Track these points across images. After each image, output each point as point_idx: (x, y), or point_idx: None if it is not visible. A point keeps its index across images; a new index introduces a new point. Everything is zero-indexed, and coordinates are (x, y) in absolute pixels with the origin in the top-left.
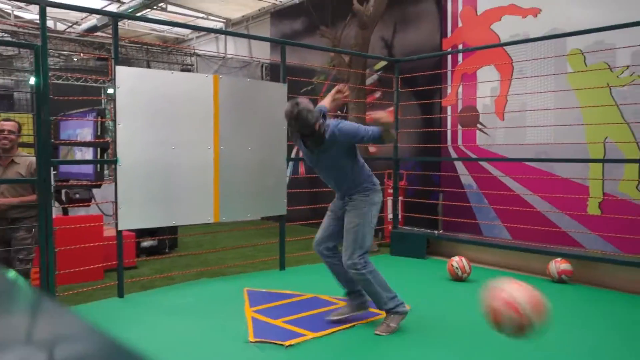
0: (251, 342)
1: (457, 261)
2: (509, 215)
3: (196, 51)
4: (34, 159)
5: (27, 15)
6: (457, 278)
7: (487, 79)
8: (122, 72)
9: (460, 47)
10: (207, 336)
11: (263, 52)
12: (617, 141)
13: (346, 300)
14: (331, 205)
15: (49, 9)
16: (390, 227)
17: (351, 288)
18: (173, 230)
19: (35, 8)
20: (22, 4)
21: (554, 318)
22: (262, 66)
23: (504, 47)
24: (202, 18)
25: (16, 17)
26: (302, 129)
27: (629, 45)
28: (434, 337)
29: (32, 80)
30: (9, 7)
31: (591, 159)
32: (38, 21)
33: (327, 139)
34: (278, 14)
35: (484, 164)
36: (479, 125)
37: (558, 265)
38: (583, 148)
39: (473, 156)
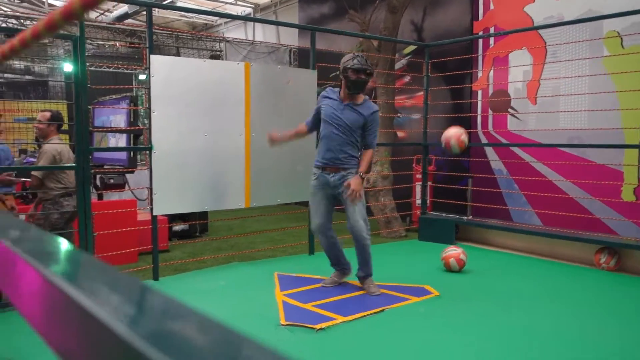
0: (282, 325)
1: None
2: (540, 201)
3: (225, 37)
4: (52, 147)
5: (60, 3)
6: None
7: (520, 62)
8: (157, 61)
9: (491, 30)
10: (239, 319)
11: (291, 37)
12: None
13: (337, 271)
14: (317, 184)
15: None
16: (418, 213)
17: (339, 261)
18: (204, 215)
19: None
20: None
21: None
22: (290, 51)
23: (538, 30)
24: (231, 3)
25: (50, 5)
26: (369, 68)
27: None
28: (461, 321)
29: (66, 68)
30: None
31: (626, 144)
32: None
33: (364, 103)
34: None
35: (515, 149)
36: (510, 110)
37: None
38: (619, 133)
39: (504, 141)
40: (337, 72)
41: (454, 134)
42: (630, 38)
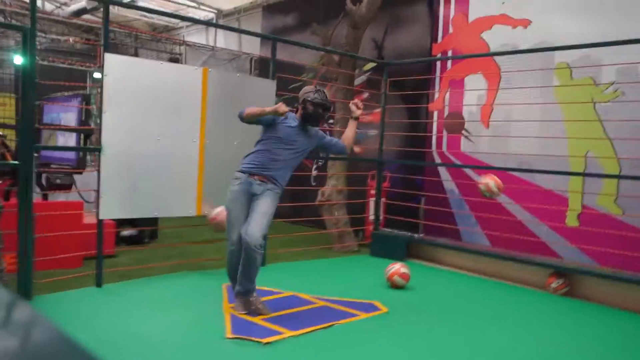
0: (228, 338)
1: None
2: (489, 222)
3: (185, 41)
4: None
5: None
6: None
7: (475, 86)
8: (111, 60)
9: (449, 53)
10: (184, 331)
11: (253, 45)
12: (598, 156)
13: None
14: (240, 190)
15: None
16: (371, 228)
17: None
18: (153, 220)
19: None
20: None
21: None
22: (251, 60)
23: (493, 57)
24: (194, 7)
25: None
26: (328, 104)
27: (614, 64)
28: (408, 338)
29: (16, 60)
30: None
31: (572, 171)
32: (27, 0)
33: (314, 130)
34: (270, 8)
35: (468, 170)
36: (464, 132)
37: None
38: (565, 160)
39: (457, 162)
40: (297, 84)
41: (493, 177)
42: (579, 70)
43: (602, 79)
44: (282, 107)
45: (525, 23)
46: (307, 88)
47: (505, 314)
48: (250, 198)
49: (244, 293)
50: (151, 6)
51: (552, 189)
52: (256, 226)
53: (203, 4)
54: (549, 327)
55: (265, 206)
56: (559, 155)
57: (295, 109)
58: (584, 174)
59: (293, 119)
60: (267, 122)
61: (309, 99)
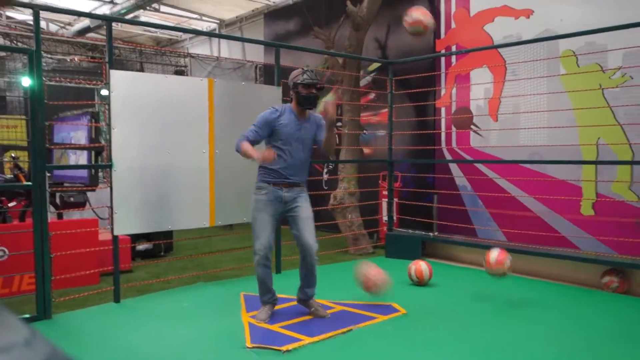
0: (248, 347)
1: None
2: (503, 217)
3: (190, 53)
4: None
5: (19, 16)
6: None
7: (481, 80)
8: (117, 76)
9: (453, 48)
10: (204, 342)
11: (257, 53)
12: (610, 142)
13: (269, 304)
14: (266, 199)
15: (42, 12)
16: (385, 229)
17: (271, 290)
18: (168, 233)
19: (27, 9)
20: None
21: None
22: (256, 67)
23: (497, 49)
24: (196, 19)
25: (8, 17)
26: (319, 82)
27: (620, 48)
28: (429, 340)
29: (25, 82)
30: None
31: (584, 160)
32: (31, 22)
33: (310, 116)
34: (271, 15)
35: (479, 165)
36: (472, 127)
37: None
38: (576, 149)
39: (467, 158)
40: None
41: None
42: (585, 57)
43: (609, 64)
44: (270, 155)
45: (528, 13)
46: (294, 72)
47: (528, 310)
48: (280, 205)
49: (308, 298)
50: (154, 20)
51: (565, 179)
52: (312, 234)
53: (205, 15)
54: (581, 323)
55: (307, 211)
56: (570, 144)
57: (289, 99)
58: (597, 162)
59: (289, 112)
60: (266, 134)
61: (299, 81)
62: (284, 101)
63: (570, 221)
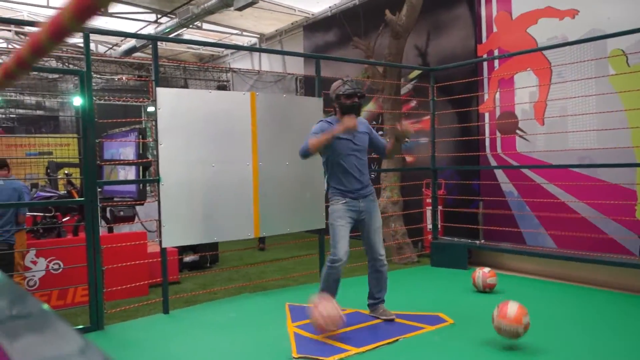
0: (294, 358)
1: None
2: (552, 222)
3: (232, 67)
4: None
5: (70, 39)
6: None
7: (525, 84)
8: (163, 93)
9: (496, 52)
10: (250, 352)
11: (297, 65)
12: None
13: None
14: (344, 208)
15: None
16: (430, 238)
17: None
18: (214, 245)
19: (78, 33)
20: None
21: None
22: (296, 79)
23: (542, 51)
24: (237, 34)
25: None
26: (360, 91)
27: None
28: (477, 351)
29: (76, 102)
30: None
31: (638, 163)
32: (81, 45)
33: (360, 120)
34: (311, 27)
35: (526, 171)
36: (518, 132)
37: (485, 278)
38: (629, 152)
39: (514, 163)
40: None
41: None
42: (636, 56)
43: None
44: (351, 122)
45: (573, 13)
46: (335, 84)
47: (581, 319)
48: (356, 215)
49: (378, 303)
50: (196, 38)
51: (618, 183)
52: (380, 244)
53: (245, 30)
54: (632, 331)
55: (379, 221)
56: (622, 147)
57: (332, 111)
58: None
59: (338, 123)
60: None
61: (341, 92)
62: (326, 112)
63: (624, 225)
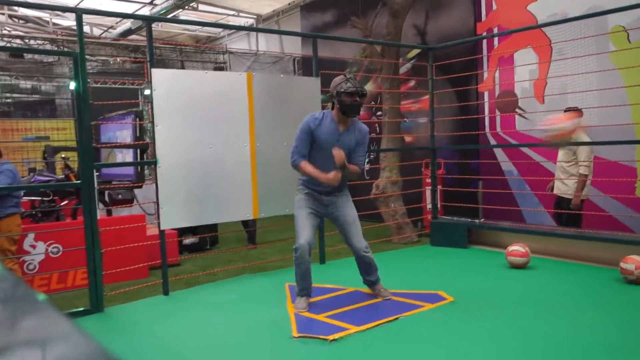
0: (295, 337)
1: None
2: (552, 201)
3: (228, 49)
4: None
5: (65, 22)
6: None
7: (525, 62)
8: (158, 75)
9: (495, 30)
10: (251, 332)
11: (294, 46)
12: None
13: (305, 296)
14: (308, 198)
15: (85, 16)
16: (429, 217)
17: (309, 285)
18: (213, 227)
19: (72, 15)
20: (59, 12)
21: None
22: (294, 60)
23: (542, 28)
24: (233, 15)
25: (54, 24)
26: (362, 90)
27: None
28: (478, 329)
29: (72, 86)
30: (47, 15)
31: (638, 140)
32: (75, 27)
33: (356, 124)
34: (308, 7)
35: (525, 149)
36: (518, 110)
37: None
38: (629, 129)
39: (513, 142)
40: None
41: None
42: (637, 32)
43: None
44: (337, 177)
45: None
46: (336, 80)
47: (581, 298)
48: (322, 209)
49: (373, 282)
50: (192, 19)
51: (618, 160)
52: (360, 236)
53: (242, 11)
54: (629, 312)
55: (351, 214)
56: (622, 123)
57: (330, 106)
58: None
59: (330, 121)
60: (309, 144)
61: (342, 89)
62: (324, 92)
63: (624, 203)
